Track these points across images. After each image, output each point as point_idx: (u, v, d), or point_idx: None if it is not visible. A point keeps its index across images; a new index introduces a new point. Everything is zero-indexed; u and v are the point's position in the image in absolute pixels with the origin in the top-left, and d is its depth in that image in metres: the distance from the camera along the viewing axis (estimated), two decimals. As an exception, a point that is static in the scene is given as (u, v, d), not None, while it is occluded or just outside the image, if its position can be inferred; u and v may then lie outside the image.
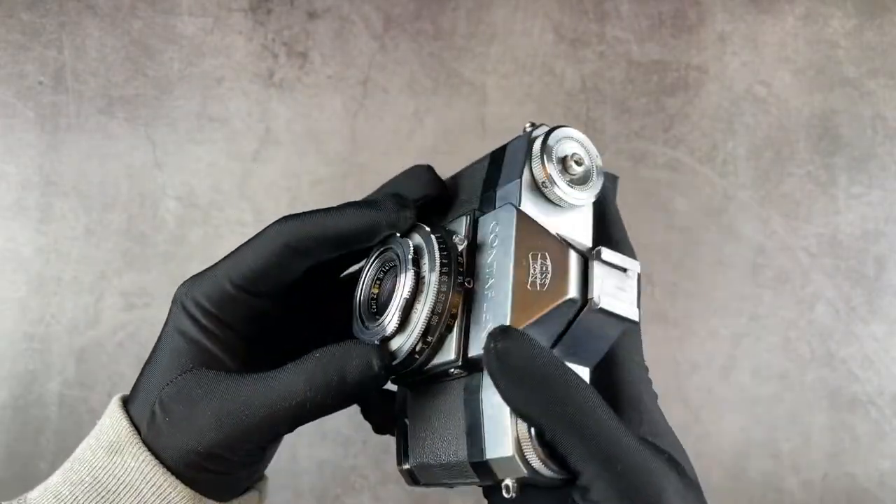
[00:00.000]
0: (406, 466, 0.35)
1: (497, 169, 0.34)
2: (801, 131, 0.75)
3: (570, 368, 0.28)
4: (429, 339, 0.31)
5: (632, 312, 0.30)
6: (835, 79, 0.76)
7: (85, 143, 0.73)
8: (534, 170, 0.32)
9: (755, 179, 0.75)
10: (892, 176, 0.75)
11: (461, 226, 0.34)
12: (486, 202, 0.34)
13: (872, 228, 0.74)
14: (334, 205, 0.35)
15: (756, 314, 0.73)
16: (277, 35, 0.75)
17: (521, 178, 0.32)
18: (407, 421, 0.35)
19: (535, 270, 0.30)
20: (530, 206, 0.32)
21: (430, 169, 0.39)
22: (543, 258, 0.30)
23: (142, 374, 0.35)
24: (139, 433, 0.32)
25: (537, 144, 0.32)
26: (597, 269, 0.30)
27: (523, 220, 0.31)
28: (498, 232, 0.31)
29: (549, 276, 0.29)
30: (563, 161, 0.32)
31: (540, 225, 0.31)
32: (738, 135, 0.75)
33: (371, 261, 0.35)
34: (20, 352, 0.71)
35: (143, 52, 0.74)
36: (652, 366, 0.34)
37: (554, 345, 0.30)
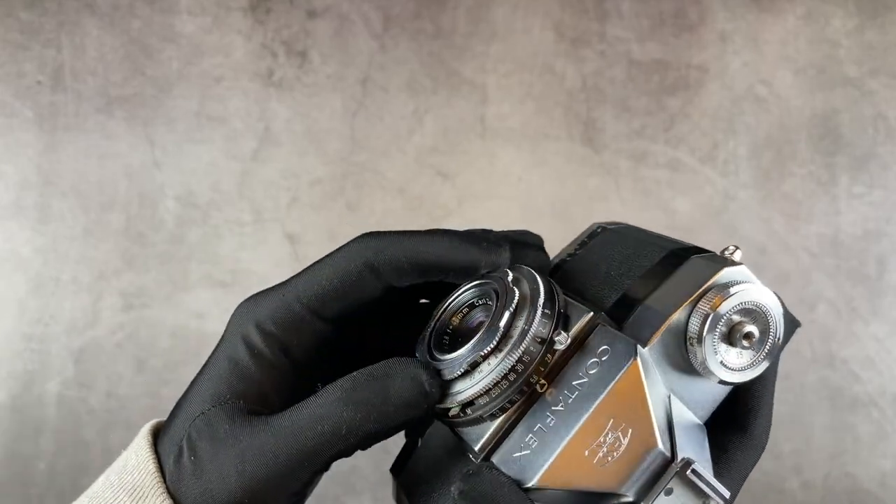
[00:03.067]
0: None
1: (661, 274, 0.29)
2: (802, 131, 0.75)
3: None
4: (468, 411, 0.28)
5: None
6: (836, 78, 0.75)
7: (83, 143, 0.73)
8: (690, 321, 0.27)
9: (756, 179, 0.74)
10: (894, 175, 0.74)
11: (578, 317, 0.28)
12: (622, 307, 0.28)
13: (874, 228, 0.74)
14: (420, 228, 0.31)
15: (757, 314, 0.73)
16: (277, 34, 0.75)
17: (669, 317, 0.27)
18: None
19: (605, 440, 0.25)
20: (659, 353, 0.27)
21: (541, 244, 0.33)
22: (623, 433, 0.25)
23: (179, 401, 0.31)
24: (164, 476, 0.29)
25: (712, 300, 0.27)
26: (671, 483, 0.24)
27: (631, 377, 0.25)
28: (603, 361, 0.26)
29: (614, 457, 0.25)
30: (730, 330, 0.27)
31: (644, 394, 0.25)
32: (739, 134, 0.75)
33: (467, 287, 0.31)
34: (19, 352, 0.71)
35: (141, 51, 0.74)
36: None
37: None
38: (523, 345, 0.27)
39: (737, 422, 0.30)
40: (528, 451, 0.26)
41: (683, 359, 0.27)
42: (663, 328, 0.27)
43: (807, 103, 0.75)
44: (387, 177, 0.74)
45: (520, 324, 0.27)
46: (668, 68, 0.75)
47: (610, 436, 0.25)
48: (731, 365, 0.27)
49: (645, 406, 0.25)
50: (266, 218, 0.73)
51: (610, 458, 0.25)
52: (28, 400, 0.71)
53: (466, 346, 0.28)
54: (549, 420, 0.26)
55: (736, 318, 0.27)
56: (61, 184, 0.73)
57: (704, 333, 0.26)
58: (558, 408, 0.26)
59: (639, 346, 0.26)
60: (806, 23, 0.76)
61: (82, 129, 0.74)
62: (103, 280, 0.72)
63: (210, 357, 0.31)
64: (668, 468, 0.25)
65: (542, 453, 0.26)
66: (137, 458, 0.30)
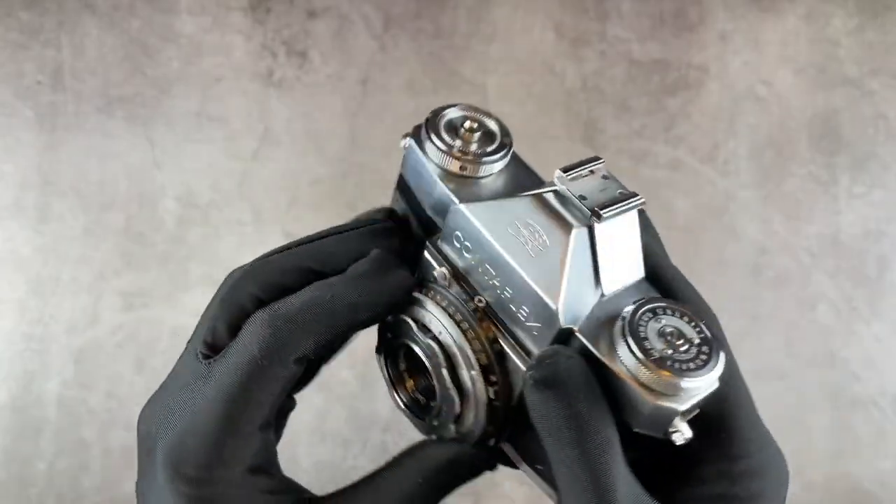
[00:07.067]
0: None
1: (410, 193, 0.32)
2: (802, 131, 0.75)
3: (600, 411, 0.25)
4: (492, 377, 0.28)
5: (632, 197, 0.28)
6: (836, 78, 0.75)
7: (83, 143, 0.73)
8: (444, 165, 0.30)
9: (756, 179, 0.74)
10: (894, 175, 0.74)
11: (431, 262, 0.30)
12: (429, 227, 0.31)
13: (874, 228, 0.74)
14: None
15: (757, 314, 0.73)
16: (277, 34, 0.75)
17: (439, 180, 0.30)
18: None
19: (524, 237, 0.27)
20: (470, 194, 0.29)
21: (392, 212, 0.34)
22: (520, 220, 0.27)
23: None
24: None
25: (428, 143, 0.30)
26: (571, 188, 0.27)
27: (475, 208, 0.28)
28: (464, 237, 0.29)
29: (538, 230, 0.27)
30: (457, 135, 0.31)
31: (490, 202, 0.29)
32: (740, 134, 0.75)
33: (383, 365, 0.32)
34: (19, 352, 0.71)
35: (141, 51, 0.74)
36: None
37: (597, 279, 0.27)
38: (437, 307, 0.29)
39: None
40: (531, 314, 0.27)
41: (479, 180, 0.30)
42: (444, 185, 0.30)
43: (807, 103, 0.75)
44: (387, 177, 0.74)
45: (419, 308, 0.29)
46: (668, 68, 0.75)
47: (524, 230, 0.27)
48: (485, 148, 0.31)
49: (497, 203, 0.28)
50: (266, 218, 0.73)
51: (542, 236, 0.27)
52: (28, 400, 0.71)
53: (429, 365, 0.29)
54: (505, 295, 0.28)
55: (448, 126, 0.31)
56: (61, 184, 0.73)
57: (453, 152, 0.30)
58: (498, 284, 0.28)
59: (452, 208, 0.29)
60: (806, 23, 0.76)
61: (82, 129, 0.73)
62: (103, 280, 0.72)
63: None
64: (557, 192, 0.28)
65: (529, 299, 0.27)
66: None
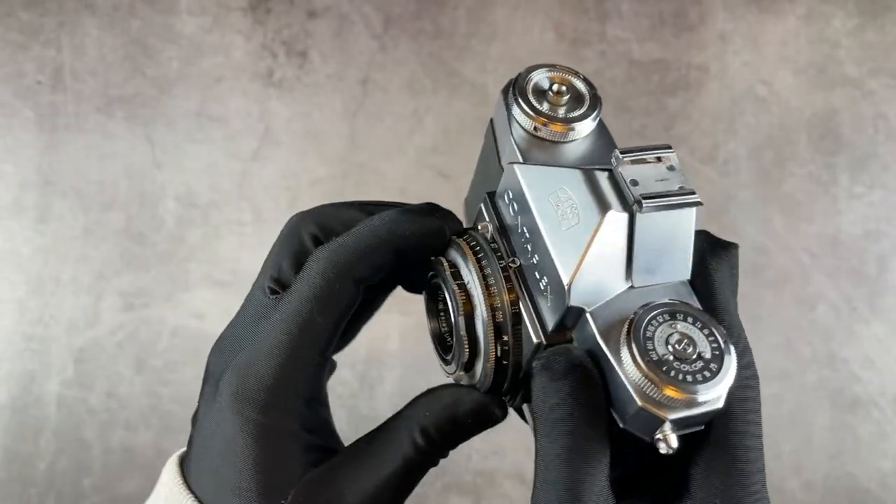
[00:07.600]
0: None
1: (493, 137, 0.33)
2: (802, 131, 0.75)
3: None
4: (505, 338, 0.29)
5: (687, 194, 0.26)
6: (836, 78, 0.75)
7: (83, 143, 0.73)
8: (519, 122, 0.30)
9: (756, 179, 0.74)
10: (894, 175, 0.74)
11: (483, 213, 0.31)
12: (498, 179, 0.32)
13: (874, 228, 0.74)
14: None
15: (757, 314, 0.73)
16: (277, 34, 0.75)
17: (511, 136, 0.30)
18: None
19: (561, 210, 0.27)
20: (538, 157, 0.30)
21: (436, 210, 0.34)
22: (563, 192, 0.27)
23: None
24: None
25: (509, 94, 0.31)
26: (624, 172, 0.26)
27: (526, 170, 0.29)
28: (512, 197, 0.29)
29: (577, 206, 0.27)
30: (543, 96, 0.31)
31: (545, 166, 0.29)
32: (740, 134, 0.75)
33: (425, 298, 0.33)
34: (19, 352, 0.71)
35: (141, 51, 0.74)
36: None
37: (629, 269, 0.26)
38: (470, 258, 0.29)
39: None
40: (548, 286, 0.27)
41: (554, 144, 0.30)
42: (516, 143, 0.30)
43: (807, 103, 0.75)
44: (387, 177, 0.74)
45: (458, 255, 0.30)
46: (668, 68, 0.75)
47: (563, 201, 0.27)
48: (568, 111, 0.32)
49: (549, 169, 0.28)
50: (266, 218, 0.73)
51: (578, 211, 0.27)
52: (28, 400, 0.71)
53: (451, 311, 0.30)
54: (534, 260, 0.28)
55: (538, 86, 0.32)
56: (61, 184, 0.73)
57: (528, 112, 0.31)
58: (530, 249, 0.28)
59: (506, 165, 0.30)
60: (806, 23, 0.76)
61: (82, 129, 0.74)
62: (103, 280, 0.72)
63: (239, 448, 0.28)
64: (612, 172, 0.27)
65: (550, 271, 0.27)
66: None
